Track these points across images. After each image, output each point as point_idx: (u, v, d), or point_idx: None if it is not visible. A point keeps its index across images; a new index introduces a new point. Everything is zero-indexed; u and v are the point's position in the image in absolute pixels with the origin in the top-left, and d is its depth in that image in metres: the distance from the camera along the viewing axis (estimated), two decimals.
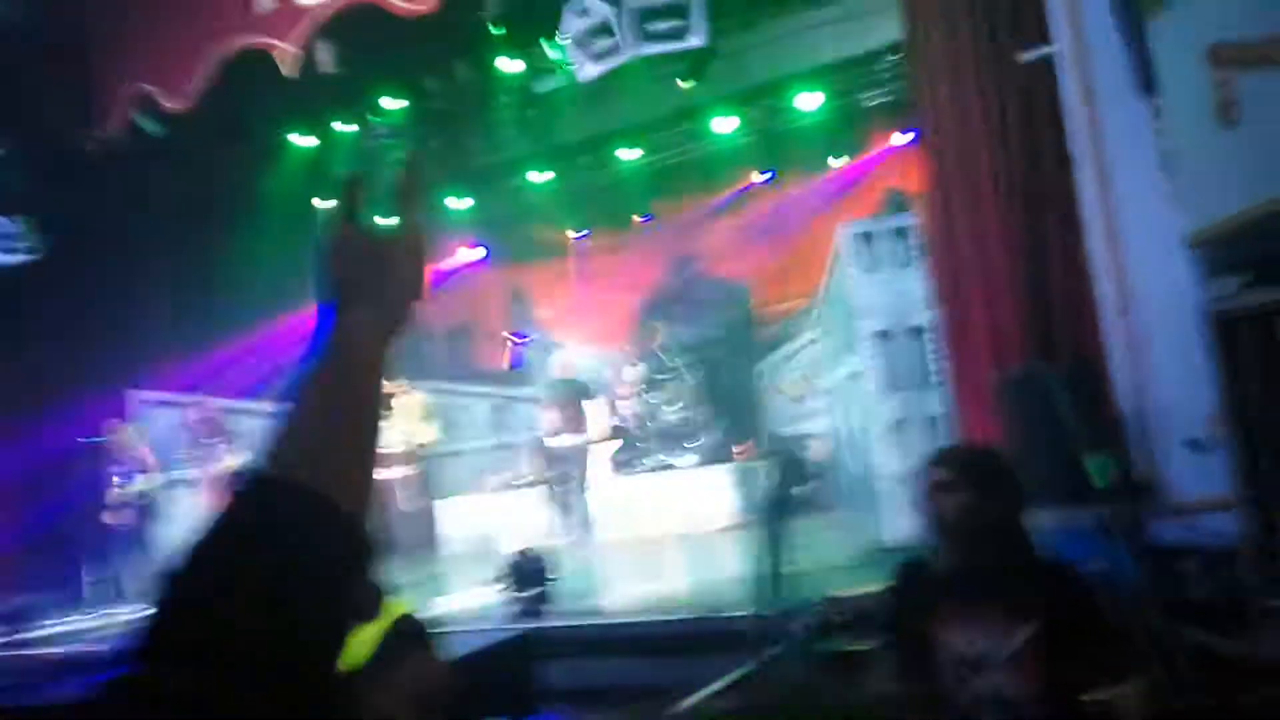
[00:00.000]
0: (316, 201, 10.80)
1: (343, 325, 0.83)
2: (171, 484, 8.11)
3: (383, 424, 0.86)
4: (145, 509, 8.02)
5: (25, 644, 6.45)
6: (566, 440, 7.66)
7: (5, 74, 8.40)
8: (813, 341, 8.98)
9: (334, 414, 0.80)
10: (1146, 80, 3.60)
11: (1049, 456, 3.62)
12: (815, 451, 9.12)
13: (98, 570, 8.27)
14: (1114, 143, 3.97)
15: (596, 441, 8.37)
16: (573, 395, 7.84)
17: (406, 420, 7.56)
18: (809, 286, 9.39)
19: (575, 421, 7.73)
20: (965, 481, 2.21)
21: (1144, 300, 3.74)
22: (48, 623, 7.33)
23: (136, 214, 9.34)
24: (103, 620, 7.47)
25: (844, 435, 7.31)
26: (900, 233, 6.22)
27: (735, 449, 9.49)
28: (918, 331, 6.00)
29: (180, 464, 8.22)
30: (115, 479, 8.06)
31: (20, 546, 8.11)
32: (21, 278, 8.79)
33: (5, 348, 8.84)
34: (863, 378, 6.14)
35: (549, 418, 7.75)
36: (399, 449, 7.42)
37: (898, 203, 9.47)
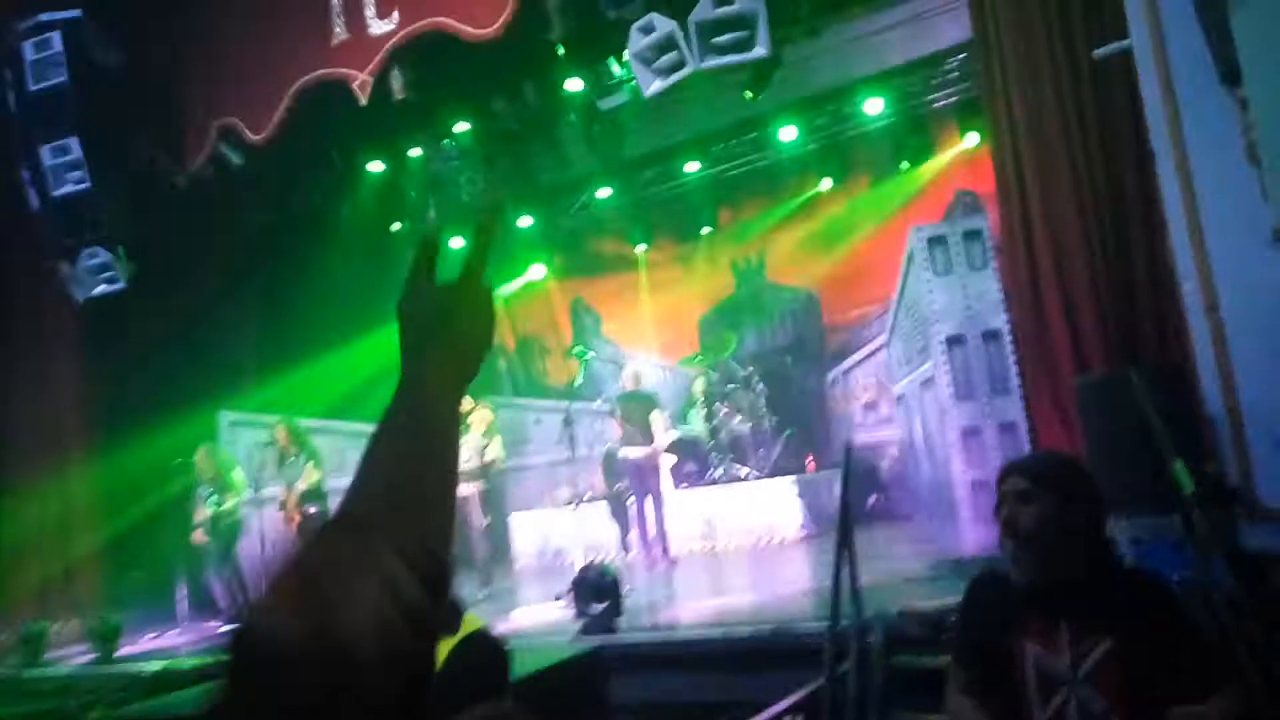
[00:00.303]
0: (394, 226, 10.97)
1: (417, 373, 0.88)
2: (258, 502, 8.30)
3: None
4: (232, 527, 8.24)
5: (123, 659, 6.69)
6: (636, 452, 7.61)
7: (99, 113, 8.81)
8: (883, 348, 8.82)
9: (411, 458, 0.84)
10: (1229, 71, 3.46)
11: (1133, 463, 3.50)
12: (888, 461, 9.16)
13: (190, 586, 8.52)
14: (1195, 136, 3.82)
15: (664, 453, 8.28)
16: (641, 408, 7.83)
17: (474, 436, 7.64)
18: (878, 293, 9.39)
19: (644, 434, 7.71)
20: (1043, 491, 2.15)
21: (1231, 297, 3.59)
22: (144, 638, 7.62)
23: (222, 242, 9.76)
24: (196, 635, 7.77)
25: (918, 443, 7.18)
26: (972, 235, 6.05)
27: (805, 459, 9.49)
28: (992, 336, 5.84)
29: (265, 482, 8.43)
30: (204, 497, 8.28)
31: (117, 564, 8.45)
32: (116, 306, 9.18)
33: (103, 373, 9.28)
34: (936, 384, 6.02)
35: (618, 430, 7.76)
36: (468, 465, 7.48)
37: (969, 206, 9.27)
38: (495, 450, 7.71)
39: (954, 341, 5.86)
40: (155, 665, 6.15)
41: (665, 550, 7.78)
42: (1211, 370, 3.64)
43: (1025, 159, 5.30)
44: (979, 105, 6.55)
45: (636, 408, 7.80)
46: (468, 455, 7.57)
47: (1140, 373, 3.53)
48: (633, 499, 7.75)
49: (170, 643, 7.51)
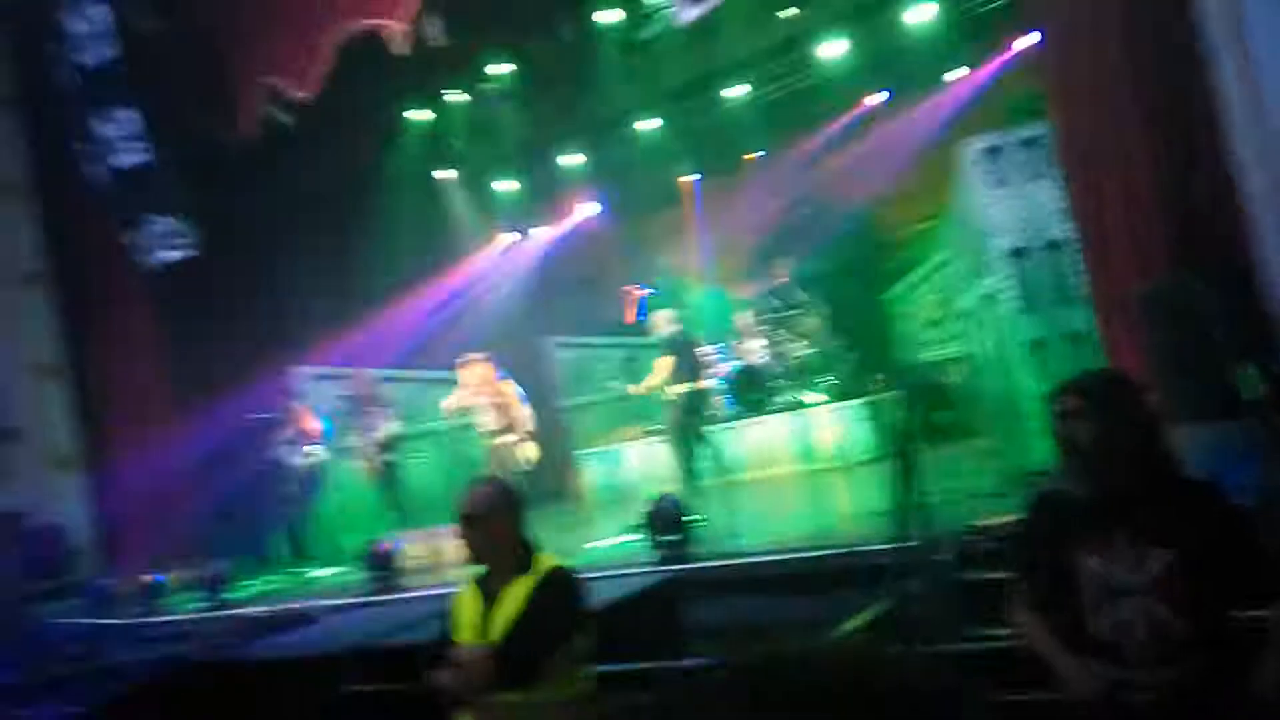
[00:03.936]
0: (441, 173, 10.99)
1: None
2: (338, 452, 8.64)
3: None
4: (314, 476, 8.64)
5: (224, 605, 7.12)
6: (678, 390, 7.74)
7: (150, 82, 9.00)
8: (944, 264, 8.69)
9: None
10: None
11: (1197, 371, 3.48)
12: (953, 377, 8.98)
13: (285, 533, 8.96)
14: (1256, 28, 3.67)
15: (711, 388, 8.47)
16: (683, 346, 7.90)
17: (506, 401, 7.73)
18: (936, 207, 9.09)
19: (691, 370, 7.81)
20: (1095, 407, 2.19)
21: None
22: (241, 584, 8.02)
23: (282, 201, 9.91)
24: (289, 580, 8.16)
25: (982, 359, 7.12)
26: (1029, 143, 5.96)
27: (872, 380, 9.32)
28: (1055, 246, 5.75)
29: (344, 433, 8.72)
30: (287, 450, 8.72)
31: (212, 515, 8.90)
32: (190, 271, 9.51)
33: (182, 337, 9.66)
34: (998, 298, 5.93)
35: (662, 369, 7.83)
36: (499, 422, 7.65)
37: (1025, 112, 8.93)
38: (524, 417, 7.76)
39: (1016, 253, 5.78)
40: (260, 609, 6.53)
41: (728, 478, 7.89)
42: (1276, 273, 3.55)
43: (1078, 59, 5.11)
44: (1031, 7, 6.26)
45: (678, 346, 7.86)
46: (494, 416, 7.63)
47: (1202, 277, 3.47)
48: (687, 433, 7.84)
49: (271, 588, 7.91)
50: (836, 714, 0.62)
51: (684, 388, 7.68)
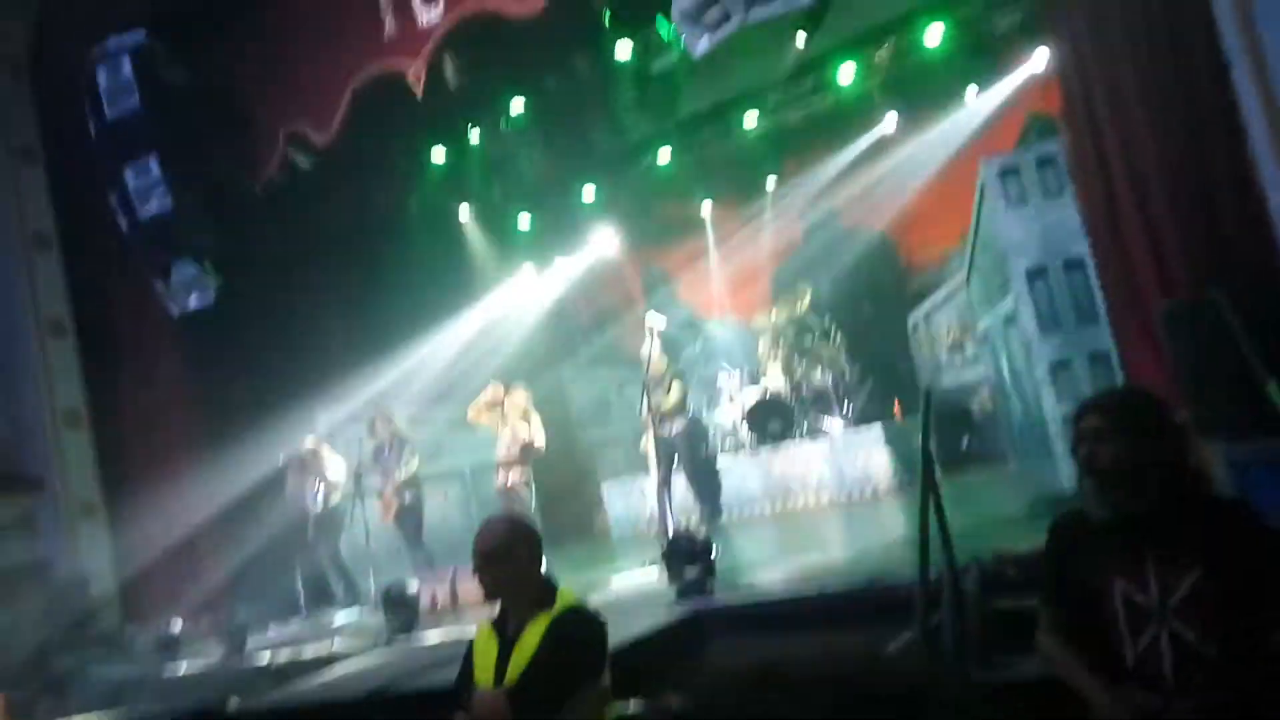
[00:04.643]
0: (460, 213, 11.18)
1: None
2: (359, 494, 8.54)
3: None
4: (336, 518, 8.58)
5: (246, 652, 7.11)
6: (675, 426, 7.76)
7: (174, 131, 9.17)
8: (963, 286, 8.47)
9: None
10: None
11: (1226, 386, 3.41)
12: (978, 402, 8.96)
13: (305, 579, 8.90)
14: (1274, 37, 3.63)
15: (747, 414, 8.21)
16: (662, 379, 7.83)
17: (511, 423, 7.82)
18: (955, 230, 9.11)
19: (674, 408, 7.82)
20: (1119, 428, 2.15)
21: None
22: (269, 631, 8.06)
23: (303, 246, 10.03)
24: (309, 626, 8.15)
25: (1006, 382, 7.03)
26: (1046, 162, 5.88)
27: (892, 406, 9.43)
28: (1075, 265, 5.67)
29: (365, 473, 8.69)
30: (310, 493, 8.69)
31: (235, 562, 8.95)
32: (213, 316, 9.59)
33: (206, 382, 9.81)
34: (1019, 319, 5.89)
35: (652, 405, 7.60)
36: (507, 453, 7.74)
37: (1041, 130, 8.90)
38: (533, 432, 7.79)
39: (1035, 274, 5.71)
40: (281, 657, 6.46)
41: (737, 513, 7.87)
42: None
43: (1093, 77, 5.09)
44: (1042, 23, 6.23)
45: (660, 382, 7.76)
46: (506, 443, 7.70)
47: (1227, 292, 3.41)
48: (679, 469, 7.81)
49: (292, 634, 7.85)
50: None
51: (676, 425, 7.60)
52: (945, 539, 3.47)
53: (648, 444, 7.65)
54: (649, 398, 7.22)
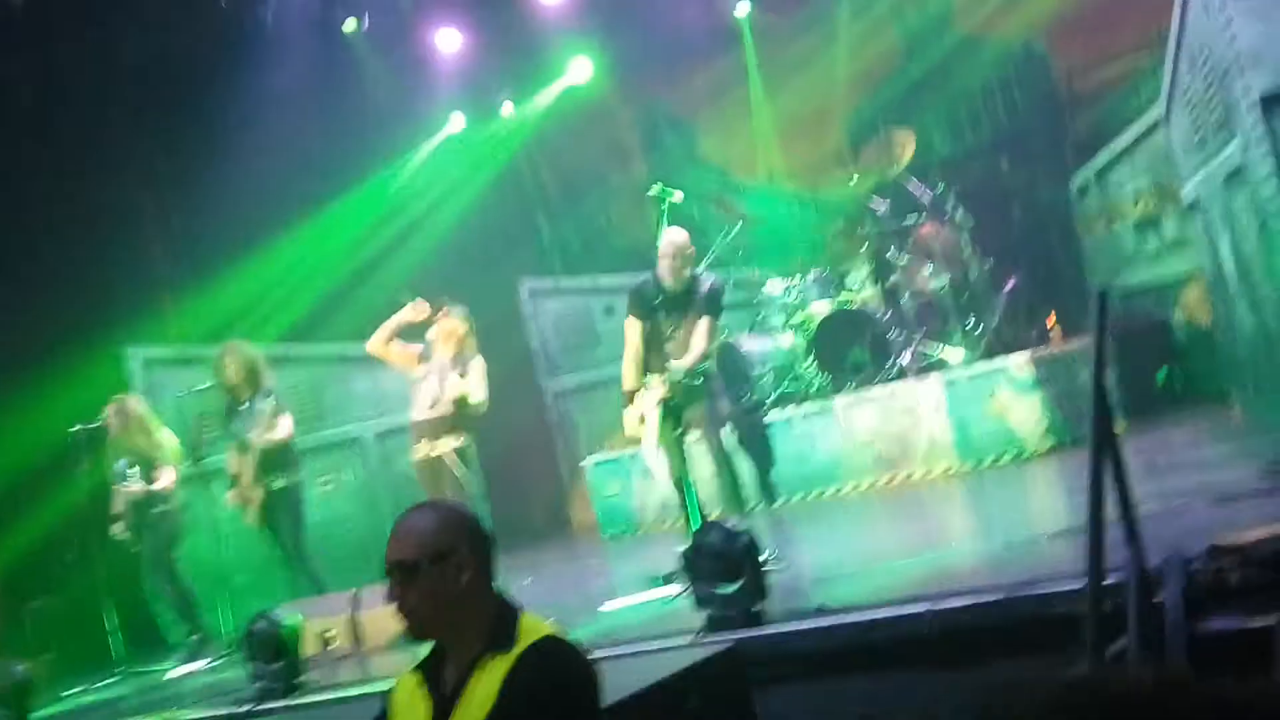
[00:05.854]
0: (346, 26, 9.36)
1: None
2: (200, 478, 7.28)
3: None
4: (167, 515, 7.08)
5: None
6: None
7: None
8: (1160, 125, 7.31)
9: None
10: None
11: None
12: (1183, 310, 7.71)
13: (121, 612, 7.25)
14: None
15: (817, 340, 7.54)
16: (682, 307, 6.22)
17: (439, 363, 6.41)
18: (1147, 34, 7.88)
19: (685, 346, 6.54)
20: None
21: None
22: (68, 693, 6.84)
23: (91, 95, 8.28)
24: (129, 683, 6.91)
25: (1230, 277, 6.28)
26: None
27: (1045, 323, 8.33)
28: None
29: (208, 445, 7.48)
30: (123, 476, 7.21)
31: (15, 590, 7.52)
32: None
33: None
34: (1249, 176, 5.23)
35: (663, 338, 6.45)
36: (430, 413, 6.36)
37: None
38: (473, 377, 6.55)
39: (1275, 102, 5.02)
40: None
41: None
42: None
43: None
44: None
45: (675, 309, 6.27)
46: (431, 394, 6.53)
47: None
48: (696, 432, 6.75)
49: (104, 699, 6.99)
50: None
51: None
52: (1130, 527, 2.99)
53: (645, 396, 6.15)
54: (657, 329, 6.03)
